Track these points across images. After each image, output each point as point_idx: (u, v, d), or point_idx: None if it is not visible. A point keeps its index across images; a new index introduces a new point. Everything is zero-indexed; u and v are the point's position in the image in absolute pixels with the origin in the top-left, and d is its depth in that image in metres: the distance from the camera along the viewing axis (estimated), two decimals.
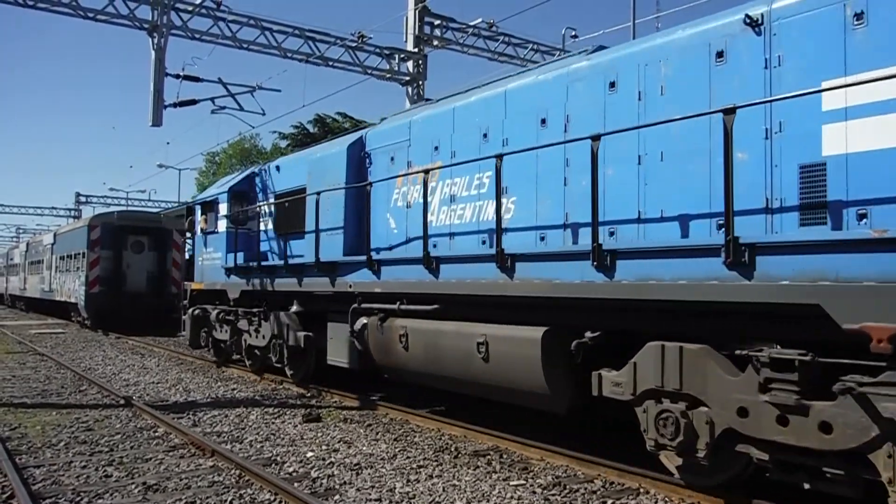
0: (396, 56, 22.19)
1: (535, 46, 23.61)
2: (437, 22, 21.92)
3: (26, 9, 17.82)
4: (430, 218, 8.16)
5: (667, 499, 5.83)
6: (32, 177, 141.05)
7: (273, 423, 8.87)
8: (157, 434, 8.23)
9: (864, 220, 4.70)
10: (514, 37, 23.18)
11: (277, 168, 12.63)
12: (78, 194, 58.88)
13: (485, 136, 7.84)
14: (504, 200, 7.27)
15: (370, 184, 9.15)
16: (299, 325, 11.06)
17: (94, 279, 24.07)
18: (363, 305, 9.16)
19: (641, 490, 6.02)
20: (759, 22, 5.40)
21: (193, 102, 19.58)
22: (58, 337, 22.28)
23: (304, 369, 11.46)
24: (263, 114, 20.75)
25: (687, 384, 5.51)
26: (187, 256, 29.36)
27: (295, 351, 11.27)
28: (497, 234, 7.00)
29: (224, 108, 20.17)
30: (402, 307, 8.46)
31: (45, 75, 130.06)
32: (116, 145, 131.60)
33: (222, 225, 13.54)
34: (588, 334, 6.35)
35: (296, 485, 6.09)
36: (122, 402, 10.21)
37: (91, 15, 18.34)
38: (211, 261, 14.09)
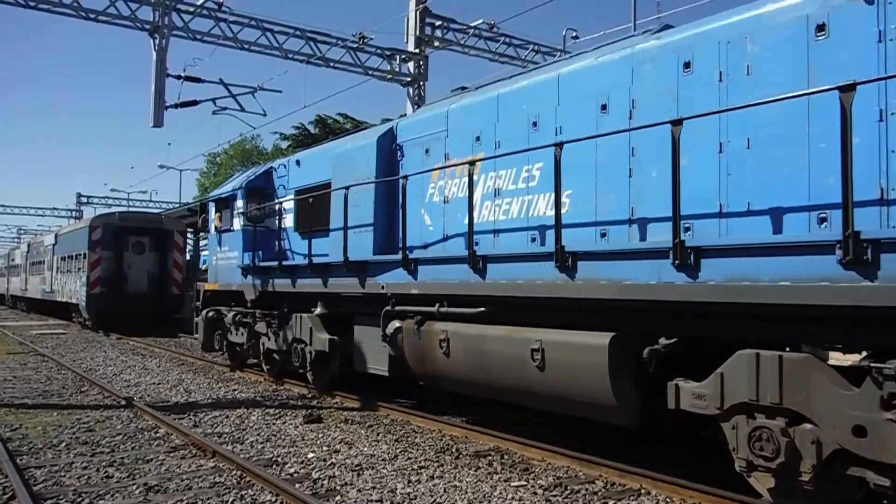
0: (397, 57, 22.22)
1: (536, 47, 23.63)
2: (437, 23, 21.95)
3: (27, 9, 17.84)
4: (474, 213, 7.60)
5: (668, 499, 5.82)
6: (33, 177, 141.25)
7: (274, 423, 8.87)
8: (158, 435, 8.23)
9: None
10: (515, 38, 23.20)
11: (297, 163, 12.05)
12: (79, 195, 58.99)
13: (534, 124, 7.25)
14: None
15: (405, 177, 8.50)
16: (323, 329, 10.53)
17: (96, 280, 24.07)
18: (397, 308, 8.61)
19: (643, 491, 6.02)
20: None
21: (195, 103, 19.63)
22: (59, 338, 22.29)
23: (327, 375, 10.85)
24: (264, 114, 20.81)
25: (788, 398, 4.89)
26: (188, 257, 29.53)
27: (318, 356, 10.69)
28: (556, 231, 6.36)
29: (225, 108, 20.24)
30: (443, 310, 7.89)
31: (46, 75, 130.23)
32: (117, 146, 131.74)
33: (238, 223, 12.99)
34: (662, 341, 5.74)
35: (297, 486, 6.08)
36: (123, 402, 10.21)
37: (92, 16, 18.38)
38: (226, 260, 13.50)
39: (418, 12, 21.22)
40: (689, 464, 6.45)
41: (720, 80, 5.67)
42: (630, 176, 6.28)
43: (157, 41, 18.44)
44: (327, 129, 46.18)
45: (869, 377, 4.53)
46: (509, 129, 7.60)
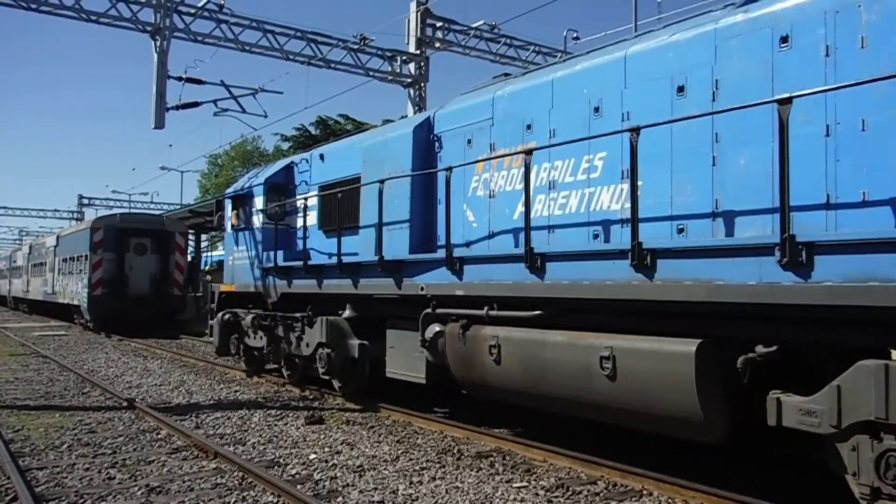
0: (398, 58, 22.23)
1: (537, 48, 23.62)
2: (438, 24, 21.94)
3: (29, 11, 17.86)
4: (523, 209, 7.04)
5: (670, 499, 5.82)
6: (35, 179, 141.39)
7: (276, 425, 8.87)
8: (159, 436, 8.23)
9: None
10: (516, 39, 23.20)
11: (321, 157, 11.49)
12: (80, 196, 59.02)
13: (596, 110, 6.65)
14: (625, 186, 6.18)
15: (450, 168, 7.80)
16: (352, 333, 10.01)
17: (97, 281, 24.09)
18: (438, 311, 8.02)
19: (644, 491, 6.01)
20: None
21: (196, 105, 19.64)
22: (61, 339, 22.30)
23: (355, 382, 10.24)
24: (265, 116, 20.81)
25: None
26: (190, 258, 29.54)
27: (346, 361, 10.10)
28: (633, 226, 5.70)
29: (226, 110, 20.24)
30: (493, 313, 7.27)
31: (48, 77, 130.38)
32: (119, 148, 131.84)
33: (257, 220, 12.40)
34: (760, 349, 5.07)
35: (299, 487, 6.08)
36: (124, 404, 10.22)
37: (94, 18, 18.39)
38: (243, 260, 12.88)
39: (419, 13, 21.23)
40: (691, 464, 6.45)
41: (826, 56, 5.03)
42: (713, 164, 5.66)
43: (158, 43, 18.45)
44: (328, 131, 46.22)
45: None
46: (566, 116, 6.99)
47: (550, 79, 7.35)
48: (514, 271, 6.94)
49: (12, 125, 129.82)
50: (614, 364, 5.88)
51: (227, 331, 13.25)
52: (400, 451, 7.44)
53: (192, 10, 19.28)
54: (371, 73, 22.22)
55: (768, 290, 4.87)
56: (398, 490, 6.06)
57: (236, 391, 11.68)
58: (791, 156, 4.84)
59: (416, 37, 21.44)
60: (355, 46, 21.64)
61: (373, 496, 5.90)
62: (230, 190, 14.06)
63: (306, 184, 11.73)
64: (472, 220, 8.00)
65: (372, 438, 8.10)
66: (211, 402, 10.67)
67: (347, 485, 6.23)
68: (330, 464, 6.94)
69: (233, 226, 13.40)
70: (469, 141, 8.19)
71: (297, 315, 10.97)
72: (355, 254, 9.54)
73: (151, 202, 55.39)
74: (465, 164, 7.96)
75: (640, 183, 5.83)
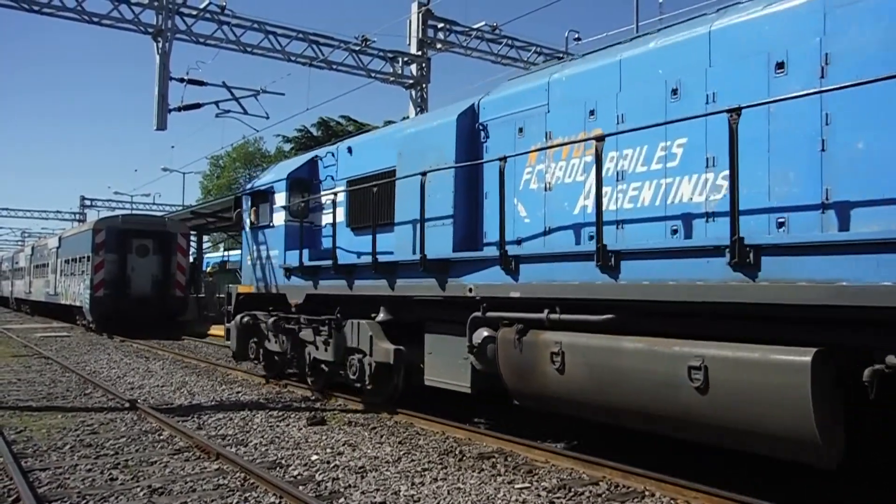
0: (400, 59, 22.27)
1: (539, 49, 23.66)
2: (440, 25, 21.98)
3: (31, 13, 17.91)
4: (586, 202, 6.52)
5: (671, 500, 5.82)
6: (37, 180, 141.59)
7: (278, 426, 8.87)
8: (161, 437, 8.24)
9: None
10: (518, 40, 23.24)
11: (349, 150, 10.84)
12: (83, 198, 59.12)
13: (674, 91, 6.05)
14: (710, 175, 5.65)
15: (504, 158, 7.09)
16: (385, 337, 9.32)
17: (99, 282, 24.10)
18: (489, 314, 7.38)
19: (647, 492, 6.01)
20: None
21: (198, 106, 19.69)
22: (63, 340, 22.33)
23: (388, 390, 9.53)
24: (267, 117, 20.89)
25: None
26: (192, 260, 29.56)
27: (379, 368, 9.39)
28: (732, 220, 5.04)
29: (228, 111, 20.31)
30: (554, 317, 6.62)
31: (50, 78, 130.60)
32: (121, 149, 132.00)
33: (279, 217, 11.70)
34: (891, 359, 4.45)
35: (300, 488, 6.09)
36: (126, 405, 10.22)
37: (96, 19, 18.45)
38: (263, 260, 12.32)
39: (420, 15, 21.26)
40: (691, 464, 6.44)
41: None
42: (822, 150, 5.04)
43: (160, 45, 18.50)
44: (330, 132, 46.32)
45: None
46: (638, 99, 6.38)
47: (618, 59, 6.69)
48: (581, 270, 6.29)
49: (14, 126, 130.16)
50: (706, 375, 5.21)
51: (245, 334, 12.66)
52: (402, 452, 7.44)
53: (194, 12, 19.35)
54: (372, 75, 22.26)
55: None
56: (400, 491, 6.06)
57: (238, 392, 11.69)
58: None
59: (418, 38, 21.48)
60: (357, 48, 21.69)
61: (375, 497, 5.90)
62: (249, 186, 13.27)
63: (332, 178, 11.15)
64: (524, 216, 7.36)
65: (374, 439, 8.10)
66: (213, 403, 10.68)
67: (349, 486, 6.23)
68: (332, 465, 6.94)
69: (252, 224, 12.75)
70: (520, 129, 7.56)
71: (324, 318, 10.32)
72: (390, 252, 8.96)
73: (153, 203, 55.55)
74: (519, 154, 7.29)
75: (726, 171, 5.30)
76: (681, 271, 5.52)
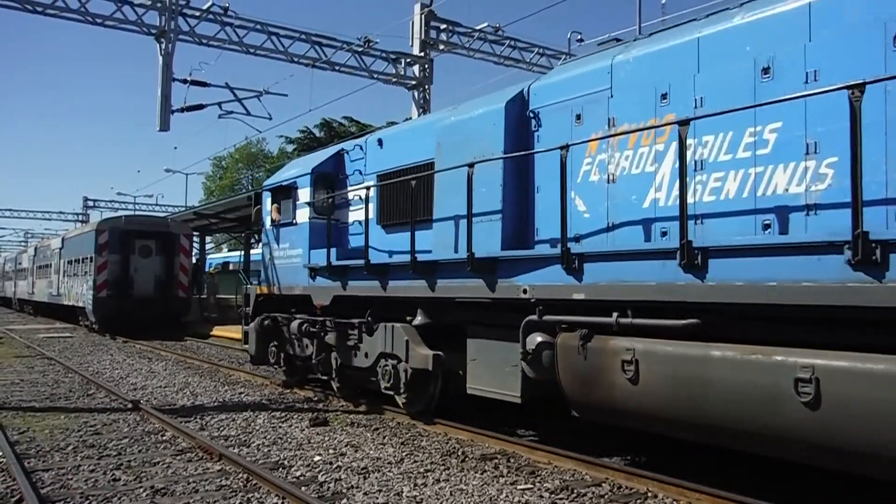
0: (402, 60, 22.30)
1: (541, 50, 23.67)
2: (442, 26, 22.01)
3: (35, 14, 17.96)
4: (657, 195, 6.00)
5: (674, 501, 5.80)
6: (40, 181, 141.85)
7: (280, 427, 8.88)
8: (164, 438, 8.25)
9: None
10: (520, 41, 23.26)
11: (379, 142, 10.20)
12: (86, 199, 59.23)
13: (765, 70, 5.46)
14: (811, 163, 5.10)
15: (566, 146, 6.46)
16: (422, 342, 8.74)
17: (102, 283, 24.15)
18: (546, 318, 6.71)
19: (649, 494, 6.00)
20: None
21: (201, 107, 19.74)
22: (66, 341, 22.36)
23: (425, 398, 8.95)
24: (270, 118, 20.93)
25: None
26: (195, 260, 29.59)
27: (415, 375, 8.80)
28: (854, 211, 4.46)
29: (231, 112, 20.35)
30: (627, 321, 5.98)
31: (53, 79, 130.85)
32: (124, 150, 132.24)
33: (303, 215, 11.06)
34: None
35: (303, 489, 6.09)
36: (129, 406, 10.23)
37: (99, 21, 18.50)
38: (286, 259, 11.57)
39: (423, 16, 21.28)
40: (693, 465, 6.43)
41: None
42: None
43: (163, 45, 18.54)
44: (333, 133, 46.39)
45: None
46: (720, 81, 5.80)
47: (696, 37, 6.08)
48: (659, 270, 5.67)
49: (18, 127, 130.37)
50: (817, 388, 4.63)
51: (265, 338, 12.03)
52: (404, 454, 7.44)
53: (197, 13, 19.40)
54: (375, 76, 22.29)
55: None
56: (402, 492, 6.06)
57: (241, 393, 11.69)
58: None
59: (421, 39, 21.51)
60: (359, 49, 21.72)
61: (377, 498, 5.90)
62: (269, 181, 12.65)
63: (360, 173, 10.51)
64: (583, 210, 6.74)
65: (376, 440, 8.10)
66: (215, 403, 10.68)
67: (352, 487, 6.23)
68: (334, 466, 6.94)
69: (273, 221, 12.06)
70: (578, 116, 6.98)
71: (354, 321, 9.73)
72: (427, 251, 8.40)
73: (156, 204, 55.64)
74: (580, 143, 6.67)
75: (833, 159, 4.82)
76: (781, 271, 4.89)
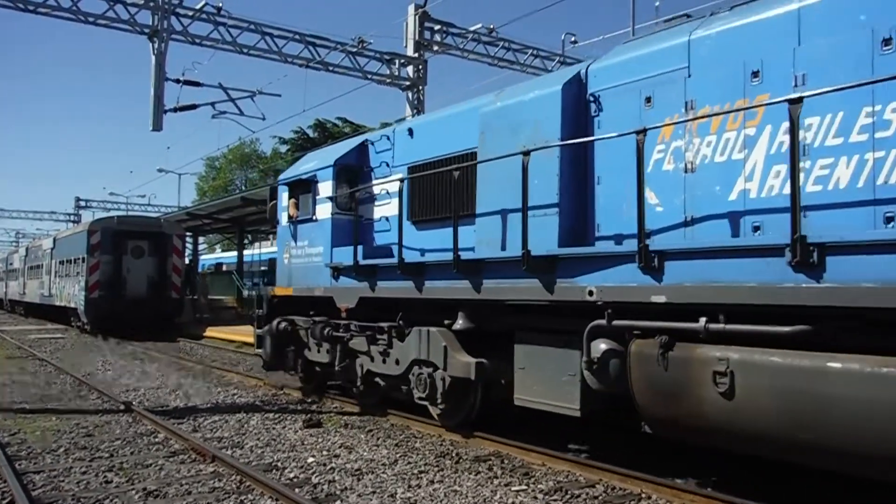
0: (396, 61, 22.29)
1: (535, 52, 23.71)
2: (436, 27, 22.02)
3: (26, 13, 17.88)
4: (748, 185, 5.41)
5: (668, 503, 5.82)
6: (32, 181, 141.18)
7: (274, 428, 8.85)
8: (157, 440, 8.21)
9: None
10: (514, 42, 23.30)
11: (409, 132, 9.51)
12: (78, 199, 58.94)
13: (885, 42, 4.83)
14: None
15: (643, 131, 5.77)
16: (462, 348, 8.06)
17: (94, 284, 24.05)
18: (616, 322, 6.05)
19: (643, 495, 6.00)
20: None
21: (194, 107, 19.73)
22: (57, 342, 22.26)
23: (463, 409, 8.25)
24: (263, 119, 20.95)
25: None
26: (187, 261, 29.53)
27: (454, 384, 8.07)
28: None
29: (224, 112, 20.34)
30: (715, 327, 5.30)
31: (46, 81, 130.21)
32: (117, 150, 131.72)
33: (324, 210, 10.34)
34: None
35: (297, 490, 6.07)
36: (122, 407, 10.19)
37: (91, 19, 18.43)
38: (305, 258, 10.78)
39: (417, 16, 21.28)
40: (689, 468, 6.44)
41: None
42: None
43: (156, 45, 18.49)
44: (326, 133, 46.38)
45: None
46: (826, 55, 5.17)
47: (795, 8, 5.44)
48: (761, 269, 5.03)
49: (10, 127, 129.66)
50: None
51: (280, 342, 11.22)
52: (398, 455, 7.42)
53: (190, 13, 19.34)
54: (369, 76, 22.27)
55: None
56: (397, 494, 6.05)
57: (234, 394, 11.65)
58: None
59: (415, 40, 21.51)
60: (353, 49, 21.70)
61: (371, 500, 5.88)
62: (286, 175, 11.93)
63: (387, 165, 9.83)
64: (655, 203, 6.06)
65: (370, 442, 8.09)
66: (208, 405, 10.64)
67: (346, 488, 6.21)
68: (328, 467, 6.92)
69: (290, 217, 11.23)
70: (648, 99, 6.32)
71: (384, 325, 9.00)
72: (469, 249, 7.72)
73: (149, 204, 55.46)
74: (664, 126, 6.00)
75: None
76: None
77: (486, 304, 7.56)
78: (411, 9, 21.40)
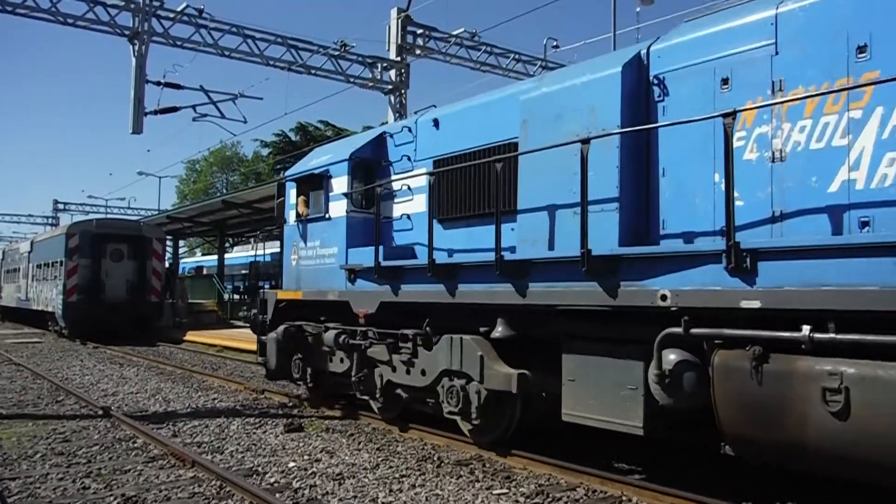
0: (379, 65, 22.30)
1: (518, 56, 23.84)
2: (419, 31, 22.08)
3: (4, 14, 17.69)
4: (853, 174, 4.84)
5: None
6: (8, 184, 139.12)
7: (254, 433, 8.79)
8: (135, 445, 8.13)
9: None
10: (497, 47, 23.40)
11: (435, 123, 8.76)
12: (56, 202, 58.33)
13: None
14: None
15: (733, 112, 5.10)
16: (498, 358, 7.32)
17: (73, 288, 23.80)
18: (695, 331, 5.32)
19: (624, 498, 6.04)
20: None
21: (174, 110, 19.58)
22: (34, 346, 21.97)
23: (500, 425, 7.52)
24: (245, 122, 20.86)
25: None
26: (167, 265, 29.30)
27: (490, 397, 7.35)
28: None
29: (205, 115, 20.24)
30: (821, 337, 4.64)
31: (25, 82, 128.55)
32: (96, 153, 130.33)
33: (338, 208, 9.64)
34: None
35: (277, 495, 6.03)
36: (100, 412, 10.07)
37: (71, 21, 18.27)
38: (316, 260, 10.02)
39: (400, 20, 21.32)
40: (671, 470, 6.49)
41: None
42: None
43: (136, 47, 18.37)
44: (309, 137, 46.23)
45: None
46: None
47: None
48: (888, 270, 4.42)
49: None
50: None
51: (287, 350, 10.50)
52: (380, 459, 7.41)
53: (171, 15, 19.22)
54: (352, 80, 22.27)
55: None
56: (378, 498, 6.04)
57: (214, 399, 11.57)
58: None
59: (397, 44, 21.54)
60: (336, 53, 21.69)
61: None
62: (295, 170, 11.10)
63: (408, 159, 9.12)
64: (735, 196, 5.32)
65: (352, 446, 8.06)
66: (188, 409, 10.56)
67: (327, 493, 6.19)
68: (309, 472, 6.89)
69: (298, 216, 10.48)
70: (725, 80, 5.69)
71: (408, 332, 8.28)
72: (512, 249, 7.04)
73: (129, 207, 54.99)
74: (749, 109, 5.35)
75: None
76: None
77: (532, 309, 6.82)
78: (394, 12, 21.43)
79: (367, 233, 9.07)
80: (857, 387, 4.46)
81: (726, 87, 5.68)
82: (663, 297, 5.49)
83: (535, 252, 6.70)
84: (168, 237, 29.93)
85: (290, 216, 10.82)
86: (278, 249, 14.46)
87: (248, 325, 11.90)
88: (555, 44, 23.63)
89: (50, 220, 57.75)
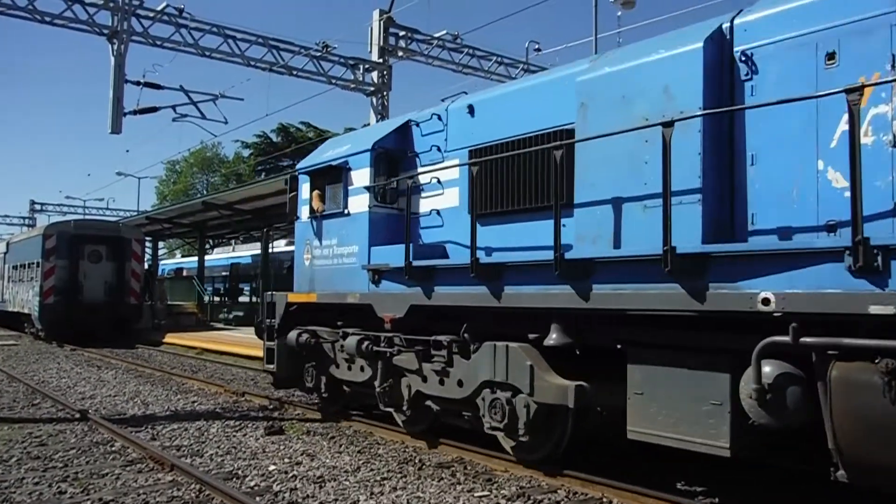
0: (361, 66, 22.25)
1: (500, 59, 23.91)
2: (401, 33, 22.06)
3: None
4: None
5: None
6: None
7: (234, 436, 8.73)
8: (113, 448, 8.04)
9: None
10: (479, 49, 23.45)
11: (469, 109, 8.03)
12: (33, 202, 57.56)
13: None
14: None
15: (858, 88, 4.48)
16: (549, 368, 6.64)
17: (49, 289, 23.52)
18: (805, 340, 4.64)
19: (605, 500, 6.07)
20: None
21: (154, 110, 19.43)
22: (10, 349, 21.66)
23: (550, 442, 6.86)
24: (226, 122, 20.73)
25: None
26: (146, 266, 29.03)
27: (541, 411, 6.64)
28: None
29: (186, 116, 20.10)
30: None
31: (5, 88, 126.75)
32: (73, 153, 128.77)
33: (359, 203, 8.89)
34: None
35: (258, 499, 6.00)
36: (77, 415, 9.95)
37: (48, 19, 18.05)
38: (334, 259, 9.26)
39: (382, 22, 21.28)
40: (652, 473, 6.53)
41: None
42: None
43: (115, 46, 18.18)
44: (290, 138, 46.03)
45: None
46: None
47: None
48: None
49: None
50: None
51: (298, 356, 9.82)
52: (361, 462, 7.38)
53: (151, 14, 19.06)
54: (333, 81, 22.20)
55: None
56: (359, 501, 6.02)
57: (194, 402, 11.48)
58: None
59: (379, 45, 21.50)
60: (318, 54, 21.62)
61: None
62: (308, 162, 10.21)
63: (438, 150, 8.41)
64: (844, 186, 4.80)
65: (333, 449, 8.03)
66: (167, 412, 10.46)
67: (308, 496, 6.16)
68: (290, 475, 6.85)
69: (313, 211, 9.66)
70: (831, 55, 5.05)
71: (442, 339, 7.55)
72: (569, 246, 6.29)
73: (107, 208, 54.45)
74: (872, 84, 4.63)
75: None
76: None
77: (593, 314, 6.13)
78: (376, 14, 21.40)
79: (392, 230, 8.54)
80: None
81: (832, 62, 5.04)
82: (765, 301, 4.81)
83: (596, 250, 6.05)
84: (147, 238, 29.66)
85: (304, 212, 10.02)
86: (259, 252, 14.32)
87: (228, 327, 11.74)
88: (537, 47, 23.77)
89: (26, 221, 57.01)
